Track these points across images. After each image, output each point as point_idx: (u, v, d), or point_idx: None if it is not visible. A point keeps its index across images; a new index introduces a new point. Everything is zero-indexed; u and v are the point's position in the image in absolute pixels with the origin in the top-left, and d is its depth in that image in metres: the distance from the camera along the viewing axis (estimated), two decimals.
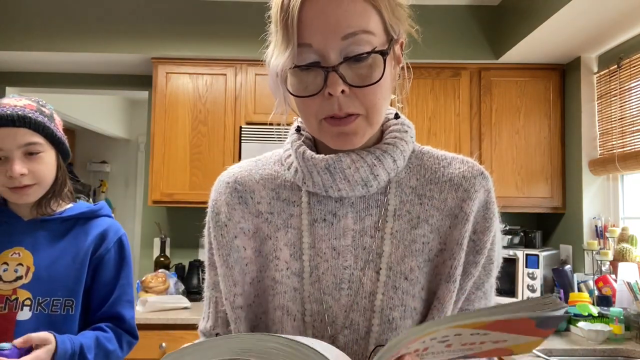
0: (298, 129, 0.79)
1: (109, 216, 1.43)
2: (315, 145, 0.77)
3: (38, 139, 1.26)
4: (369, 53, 0.65)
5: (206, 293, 0.82)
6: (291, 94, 0.69)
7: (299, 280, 0.73)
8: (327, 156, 0.71)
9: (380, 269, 0.71)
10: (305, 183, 0.74)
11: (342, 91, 0.65)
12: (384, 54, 0.66)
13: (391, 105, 0.77)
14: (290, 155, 0.77)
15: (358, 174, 0.71)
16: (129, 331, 1.35)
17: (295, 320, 0.72)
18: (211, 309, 0.80)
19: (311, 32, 0.64)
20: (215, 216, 0.77)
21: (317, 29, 0.64)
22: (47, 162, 1.29)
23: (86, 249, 1.32)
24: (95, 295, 1.32)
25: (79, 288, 1.28)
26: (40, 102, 1.33)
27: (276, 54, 0.67)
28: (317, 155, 0.72)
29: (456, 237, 0.72)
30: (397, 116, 0.78)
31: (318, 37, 0.64)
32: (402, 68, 0.75)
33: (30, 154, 1.25)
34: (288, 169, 0.77)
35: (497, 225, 0.76)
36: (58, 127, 1.33)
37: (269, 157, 0.82)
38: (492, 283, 0.78)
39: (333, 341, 0.70)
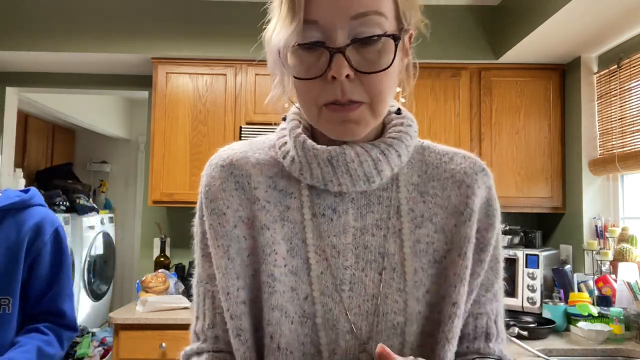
0: (283, 119, 0.73)
1: (42, 205, 1.35)
2: (313, 135, 0.72)
3: None
4: (380, 36, 0.60)
5: (198, 289, 0.74)
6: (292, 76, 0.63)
7: (296, 280, 0.67)
8: (330, 147, 0.66)
9: (384, 269, 0.67)
10: (302, 174, 0.68)
11: (347, 76, 0.60)
12: (396, 38, 0.62)
13: (395, 100, 0.74)
14: (285, 142, 0.71)
15: (361, 169, 0.66)
16: (70, 326, 1.31)
17: (292, 323, 0.66)
18: (207, 306, 0.72)
19: (319, 8, 0.59)
20: (210, 203, 0.70)
21: (326, 5, 0.59)
22: None
23: (20, 243, 1.25)
24: (33, 290, 1.27)
25: (15, 285, 1.22)
26: None
27: (278, 29, 0.61)
28: (319, 146, 0.67)
29: (464, 234, 0.69)
30: (399, 111, 0.74)
31: (326, 14, 0.59)
32: (408, 63, 0.70)
33: None
34: (283, 158, 0.71)
35: (499, 223, 0.74)
36: None
37: (262, 142, 0.76)
38: (500, 284, 0.75)
39: (334, 347, 0.66)
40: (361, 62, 0.61)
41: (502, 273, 0.75)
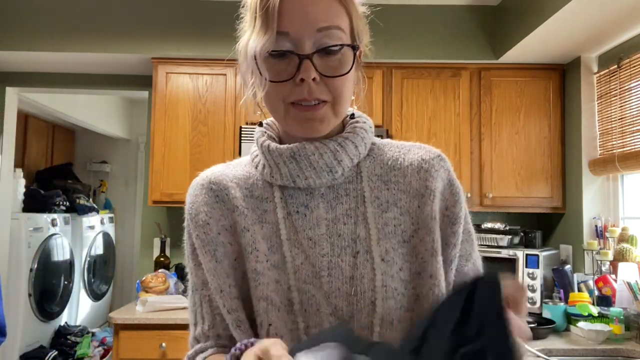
0: (260, 124, 0.82)
1: None
2: (281, 142, 0.80)
3: None
4: (342, 45, 0.71)
5: (194, 297, 0.80)
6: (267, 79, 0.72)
7: (279, 273, 0.73)
8: (292, 145, 0.75)
9: (358, 252, 0.74)
10: (273, 176, 0.77)
11: (314, 79, 0.69)
12: (355, 48, 0.73)
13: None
14: (257, 155, 0.80)
15: (322, 160, 0.74)
16: None
17: (279, 310, 0.72)
18: (205, 310, 0.78)
19: (290, 22, 0.69)
20: (194, 217, 0.78)
21: (296, 20, 0.69)
22: None
23: None
24: None
25: None
26: None
27: (254, 38, 0.71)
28: (281, 146, 0.75)
29: (428, 213, 0.76)
30: (352, 116, 0.81)
31: (295, 27, 0.69)
32: (359, 75, 0.79)
33: None
34: (256, 168, 0.80)
35: (465, 200, 0.81)
36: None
37: (240, 161, 0.85)
38: (477, 255, 0.83)
39: (320, 330, 0.72)
40: (325, 67, 0.70)
41: (476, 244, 0.83)
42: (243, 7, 0.78)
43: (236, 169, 0.82)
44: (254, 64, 0.72)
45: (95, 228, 5.08)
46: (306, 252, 0.74)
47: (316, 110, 0.71)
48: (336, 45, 0.70)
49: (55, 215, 4.33)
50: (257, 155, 0.80)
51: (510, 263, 2.74)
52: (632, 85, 2.57)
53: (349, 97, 0.75)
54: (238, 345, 0.64)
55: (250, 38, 0.72)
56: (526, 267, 2.69)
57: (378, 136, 0.87)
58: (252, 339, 0.65)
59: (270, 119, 0.82)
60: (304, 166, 0.74)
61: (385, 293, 0.71)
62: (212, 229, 0.76)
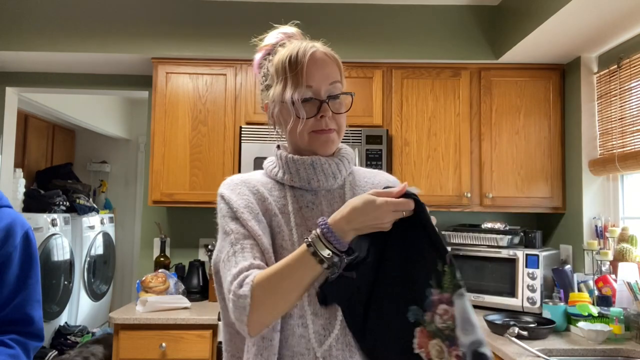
0: (278, 147, 1.13)
1: (9, 206, 1.31)
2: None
3: None
4: (344, 93, 1.09)
5: (235, 247, 0.98)
6: (297, 116, 1.05)
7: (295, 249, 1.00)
8: (311, 156, 1.07)
9: None
10: (292, 180, 1.07)
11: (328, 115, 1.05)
12: (352, 95, 1.11)
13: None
14: (275, 166, 1.11)
15: (330, 169, 1.08)
16: (36, 334, 1.27)
17: None
18: (246, 253, 0.96)
19: (313, 79, 1.04)
20: (239, 194, 1.03)
21: (316, 77, 1.04)
22: None
23: None
24: (0, 296, 1.22)
25: None
26: None
27: (290, 91, 1.03)
28: (303, 157, 1.07)
29: None
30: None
31: (317, 82, 1.04)
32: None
33: None
34: (276, 175, 1.09)
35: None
36: None
37: (255, 173, 1.13)
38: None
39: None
40: (334, 108, 1.06)
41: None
42: (264, 68, 1.11)
43: (257, 177, 1.10)
44: (291, 107, 1.03)
45: (95, 228, 5.08)
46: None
47: (330, 133, 1.06)
48: (341, 93, 1.07)
49: (55, 215, 4.33)
50: (275, 166, 1.10)
51: (510, 263, 2.74)
52: (632, 85, 2.57)
53: (345, 127, 1.10)
54: (319, 221, 0.93)
55: (285, 90, 1.03)
56: (526, 267, 2.69)
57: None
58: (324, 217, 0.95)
59: (280, 144, 1.14)
60: (318, 171, 1.06)
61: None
62: (255, 202, 1.03)
